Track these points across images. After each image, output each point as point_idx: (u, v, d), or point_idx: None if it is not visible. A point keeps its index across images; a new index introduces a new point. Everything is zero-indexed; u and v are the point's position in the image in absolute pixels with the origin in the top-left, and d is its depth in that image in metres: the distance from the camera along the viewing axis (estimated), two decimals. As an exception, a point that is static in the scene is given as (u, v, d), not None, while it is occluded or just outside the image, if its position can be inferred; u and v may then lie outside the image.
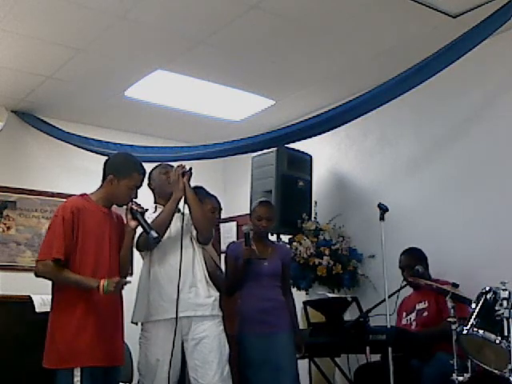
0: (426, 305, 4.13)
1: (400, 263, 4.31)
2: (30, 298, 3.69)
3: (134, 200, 3.13)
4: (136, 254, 3.46)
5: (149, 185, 3.57)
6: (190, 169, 3.42)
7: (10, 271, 5.33)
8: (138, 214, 3.08)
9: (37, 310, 3.64)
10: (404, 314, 4.28)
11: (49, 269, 2.90)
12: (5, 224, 5.61)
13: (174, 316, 3.24)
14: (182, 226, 3.35)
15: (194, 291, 3.34)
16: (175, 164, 3.60)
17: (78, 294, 2.91)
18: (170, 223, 3.34)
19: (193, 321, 3.31)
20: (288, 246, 4.95)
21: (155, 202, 3.59)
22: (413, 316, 4.20)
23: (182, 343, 3.33)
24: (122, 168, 3.12)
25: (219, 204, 4.02)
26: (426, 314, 4.12)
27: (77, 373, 2.82)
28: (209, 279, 3.45)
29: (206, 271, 3.46)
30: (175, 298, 3.25)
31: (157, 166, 3.66)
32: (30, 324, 3.55)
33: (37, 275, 2.93)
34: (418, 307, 4.19)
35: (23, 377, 3.49)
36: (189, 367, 3.30)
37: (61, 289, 2.96)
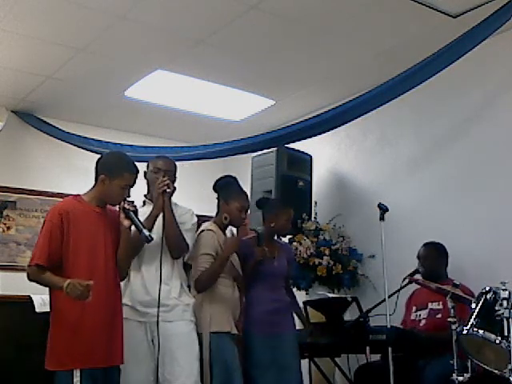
0: (441, 306, 4.00)
1: (418, 253, 4.25)
2: (29, 298, 3.69)
3: (126, 199, 3.09)
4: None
5: (144, 175, 3.54)
6: (174, 188, 3.37)
7: (9, 271, 5.33)
8: (131, 212, 3.05)
9: (37, 309, 3.63)
10: (414, 308, 4.19)
11: (33, 273, 2.92)
12: (5, 224, 5.62)
13: (144, 320, 3.29)
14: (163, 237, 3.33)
15: (167, 296, 3.32)
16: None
17: None
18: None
19: (162, 321, 3.31)
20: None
21: (147, 193, 3.56)
22: (424, 313, 4.10)
23: (152, 340, 3.33)
24: (114, 168, 3.07)
25: (248, 203, 3.74)
26: (439, 315, 4.00)
27: (76, 373, 2.82)
28: (185, 285, 3.44)
29: (183, 278, 3.46)
30: (147, 302, 3.28)
31: (155, 158, 3.60)
32: (30, 324, 3.55)
33: (29, 279, 2.95)
34: (431, 306, 4.08)
35: (23, 377, 3.49)
36: (158, 363, 3.30)
37: (56, 291, 2.93)
